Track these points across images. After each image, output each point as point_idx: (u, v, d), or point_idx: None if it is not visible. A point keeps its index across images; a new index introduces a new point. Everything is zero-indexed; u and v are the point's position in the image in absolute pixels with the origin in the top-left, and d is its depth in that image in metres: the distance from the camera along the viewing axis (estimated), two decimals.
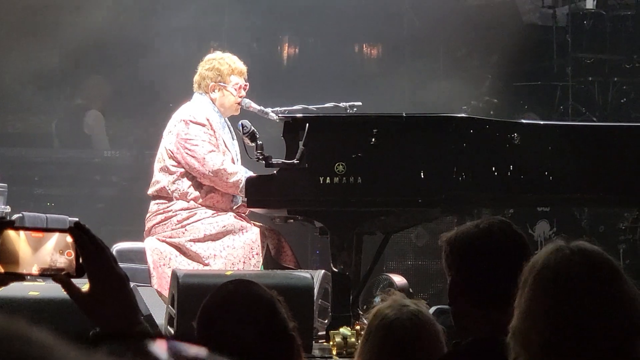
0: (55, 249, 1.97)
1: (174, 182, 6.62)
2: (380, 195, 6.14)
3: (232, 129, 6.75)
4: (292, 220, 6.61)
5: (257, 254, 6.48)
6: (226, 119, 6.78)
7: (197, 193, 6.59)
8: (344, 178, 6.09)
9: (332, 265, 6.12)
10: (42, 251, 1.97)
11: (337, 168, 6.09)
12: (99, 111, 10.11)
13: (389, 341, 3.22)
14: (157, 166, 6.72)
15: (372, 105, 7.65)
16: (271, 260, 6.51)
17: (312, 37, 10.96)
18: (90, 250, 1.95)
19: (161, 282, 6.38)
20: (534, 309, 2.36)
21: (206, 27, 10.40)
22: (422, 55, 10.74)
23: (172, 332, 5.65)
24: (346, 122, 6.34)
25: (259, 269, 6.43)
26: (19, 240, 1.97)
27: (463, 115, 6.80)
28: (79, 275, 1.98)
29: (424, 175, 6.16)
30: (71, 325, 2.10)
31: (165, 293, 6.19)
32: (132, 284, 2.03)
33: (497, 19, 10.55)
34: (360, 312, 6.48)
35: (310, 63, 10.54)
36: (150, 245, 6.54)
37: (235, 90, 6.71)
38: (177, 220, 6.56)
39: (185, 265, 6.38)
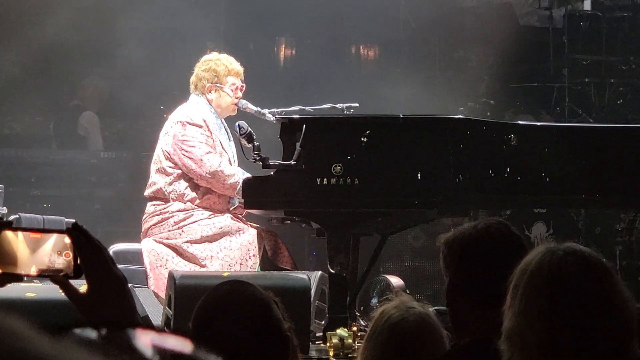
0: (53, 250, 1.97)
1: (170, 184, 6.61)
2: (377, 197, 6.15)
3: (228, 130, 6.75)
4: (289, 222, 6.61)
5: (254, 255, 6.48)
6: (223, 120, 6.77)
7: (193, 194, 6.59)
8: (341, 179, 6.09)
9: (329, 266, 6.12)
10: (40, 252, 1.97)
11: (334, 169, 6.09)
12: (95, 112, 10.10)
13: (393, 341, 3.22)
14: (153, 167, 6.72)
15: (369, 107, 7.66)
16: (268, 262, 6.51)
17: (309, 39, 10.96)
18: (88, 251, 1.95)
19: (158, 284, 6.38)
20: (529, 311, 2.36)
21: (203, 29, 10.39)
22: (419, 57, 10.74)
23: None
24: (343, 124, 6.35)
25: (256, 270, 6.43)
26: (17, 241, 1.96)
27: (460, 116, 6.81)
28: (76, 276, 1.98)
29: (420, 176, 6.16)
30: None
31: (162, 294, 6.19)
32: (129, 285, 2.03)
33: (493, 21, 10.55)
34: (357, 313, 6.49)
35: (307, 64, 10.54)
36: (147, 247, 6.54)
37: (232, 91, 6.71)
38: (174, 222, 6.56)
39: (182, 267, 6.38)
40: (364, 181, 6.11)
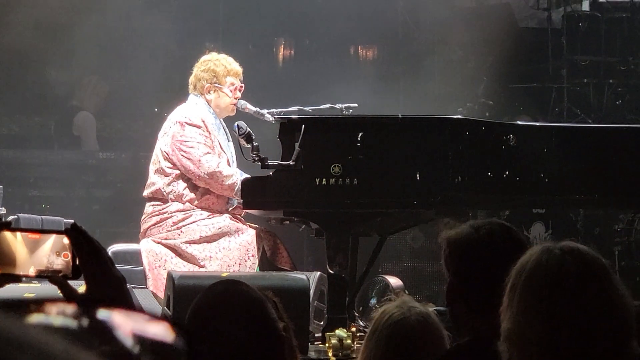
0: (52, 251, 1.97)
1: (169, 184, 6.61)
2: (376, 197, 6.14)
3: (227, 130, 6.75)
4: (287, 222, 6.61)
5: (252, 255, 6.48)
6: (221, 120, 6.77)
7: (192, 195, 6.59)
8: (340, 179, 6.09)
9: (328, 267, 6.11)
10: (39, 253, 1.96)
11: (333, 169, 6.09)
12: (92, 112, 10.09)
13: (394, 340, 3.22)
14: (152, 168, 6.72)
15: (368, 107, 7.65)
16: (267, 262, 6.51)
17: (308, 39, 10.96)
18: (87, 252, 1.95)
19: (157, 284, 6.38)
20: (528, 311, 2.36)
21: (202, 29, 10.39)
22: (417, 57, 10.74)
23: None
24: (342, 124, 6.34)
25: (255, 270, 6.42)
26: (15, 241, 1.96)
27: (459, 116, 6.81)
28: (75, 276, 1.98)
29: (419, 176, 6.16)
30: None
31: (161, 295, 6.18)
32: (127, 286, 2.03)
33: (492, 21, 10.55)
34: (356, 314, 6.48)
35: (305, 65, 10.54)
36: (146, 247, 6.53)
37: (231, 91, 6.71)
38: (173, 222, 6.56)
39: (181, 267, 6.37)
40: (362, 181, 6.10)
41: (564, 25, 10.37)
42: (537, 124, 7.35)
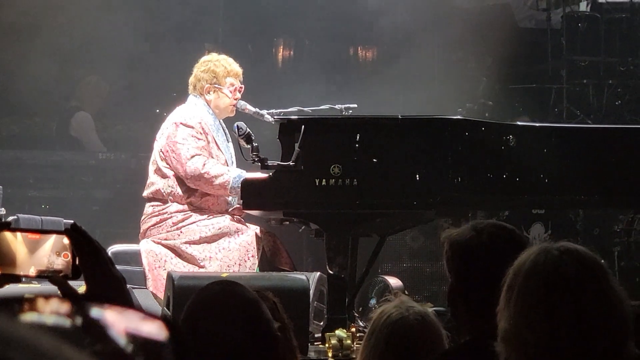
0: (52, 251, 1.97)
1: (169, 185, 6.61)
2: (375, 198, 6.14)
3: (227, 131, 6.75)
4: (287, 223, 6.61)
5: (252, 256, 6.48)
6: (221, 121, 6.77)
7: (192, 195, 6.59)
8: (340, 180, 6.09)
9: (327, 267, 6.11)
10: (39, 253, 1.97)
11: (332, 170, 6.09)
12: (94, 113, 10.09)
13: (392, 339, 3.23)
14: (151, 168, 6.72)
15: (368, 108, 7.65)
16: (267, 263, 6.51)
17: (307, 39, 10.96)
18: (87, 252, 1.95)
19: (156, 285, 6.38)
20: (526, 311, 2.36)
21: (201, 29, 10.39)
22: (417, 58, 10.74)
23: None
24: (342, 124, 6.35)
25: (255, 271, 6.43)
26: (15, 242, 1.96)
27: (458, 117, 6.81)
28: (75, 277, 1.98)
29: (419, 177, 6.16)
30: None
31: (161, 295, 6.19)
32: (127, 286, 2.03)
33: (492, 22, 10.55)
34: (355, 314, 6.48)
35: (305, 65, 10.54)
36: (146, 248, 6.53)
37: (231, 92, 6.71)
38: (173, 223, 6.56)
39: (181, 268, 6.38)
40: (362, 182, 6.11)
41: (564, 26, 10.36)
42: (537, 124, 7.35)
